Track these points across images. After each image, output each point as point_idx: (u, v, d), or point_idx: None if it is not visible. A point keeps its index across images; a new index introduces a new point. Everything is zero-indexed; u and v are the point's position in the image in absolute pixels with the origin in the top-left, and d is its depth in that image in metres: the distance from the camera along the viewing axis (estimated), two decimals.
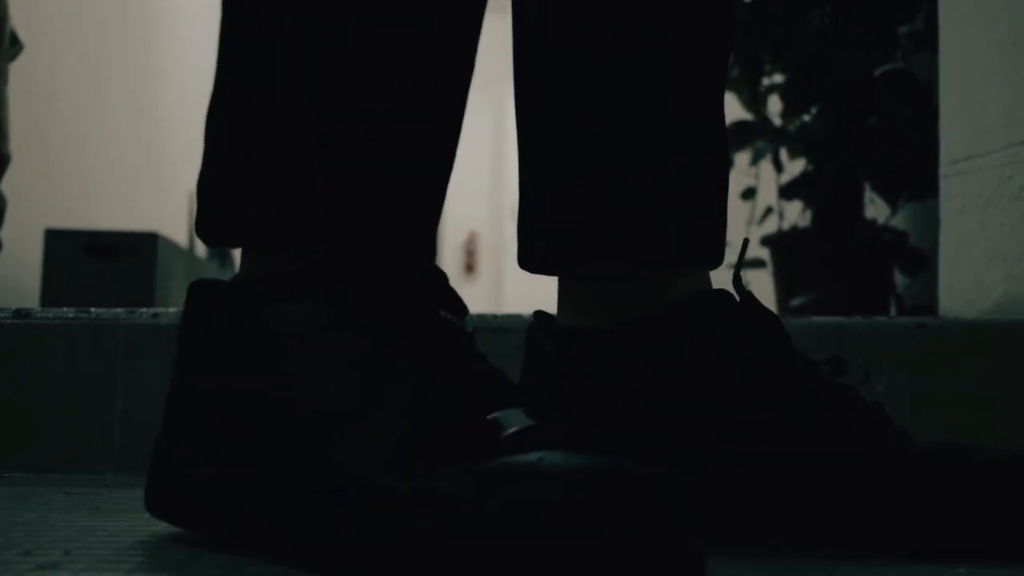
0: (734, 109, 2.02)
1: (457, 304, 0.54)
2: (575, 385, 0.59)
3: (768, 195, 2.05)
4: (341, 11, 0.53)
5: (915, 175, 1.66)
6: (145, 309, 0.88)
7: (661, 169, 0.60)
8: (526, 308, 0.81)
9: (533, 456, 0.41)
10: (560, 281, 0.64)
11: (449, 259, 7.08)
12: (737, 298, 0.59)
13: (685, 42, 0.60)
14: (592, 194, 0.60)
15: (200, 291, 0.55)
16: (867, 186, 1.81)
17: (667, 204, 0.60)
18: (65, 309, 0.87)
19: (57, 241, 2.43)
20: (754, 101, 1.92)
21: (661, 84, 0.60)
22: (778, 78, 1.94)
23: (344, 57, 0.53)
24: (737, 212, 2.28)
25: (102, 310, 0.87)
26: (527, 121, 0.64)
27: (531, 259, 0.63)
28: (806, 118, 1.87)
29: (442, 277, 0.54)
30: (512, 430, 0.45)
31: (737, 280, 0.61)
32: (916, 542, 0.53)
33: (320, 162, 0.53)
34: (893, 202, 1.72)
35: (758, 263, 1.97)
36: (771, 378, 0.57)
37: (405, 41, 0.53)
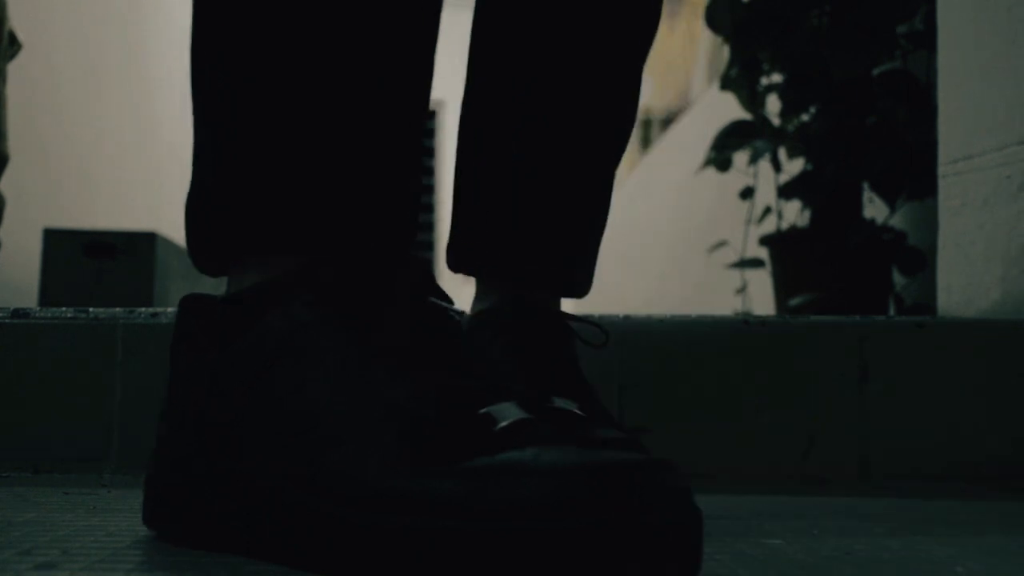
0: (733, 109, 2.02)
1: (440, 292, 0.55)
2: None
3: (766, 195, 2.05)
4: (303, 26, 0.53)
5: (913, 174, 1.66)
6: (143, 309, 0.88)
7: (559, 218, 0.73)
8: None
9: (528, 453, 0.42)
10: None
11: None
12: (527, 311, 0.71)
13: (590, 134, 0.73)
14: (497, 225, 0.73)
15: (188, 308, 0.56)
16: (865, 185, 1.81)
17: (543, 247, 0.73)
18: (63, 309, 0.87)
19: (56, 241, 2.43)
20: (752, 101, 1.92)
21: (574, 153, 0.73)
22: (776, 78, 1.94)
23: (312, 69, 0.53)
24: (736, 211, 2.29)
25: (100, 310, 0.87)
26: (467, 149, 0.75)
27: (451, 263, 0.76)
28: (804, 118, 1.87)
29: (425, 266, 0.55)
30: (505, 423, 0.45)
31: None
32: None
33: (300, 169, 0.54)
34: (891, 202, 1.72)
35: (757, 263, 1.97)
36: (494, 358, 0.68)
37: (367, 45, 0.54)
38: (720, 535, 0.57)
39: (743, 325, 0.89)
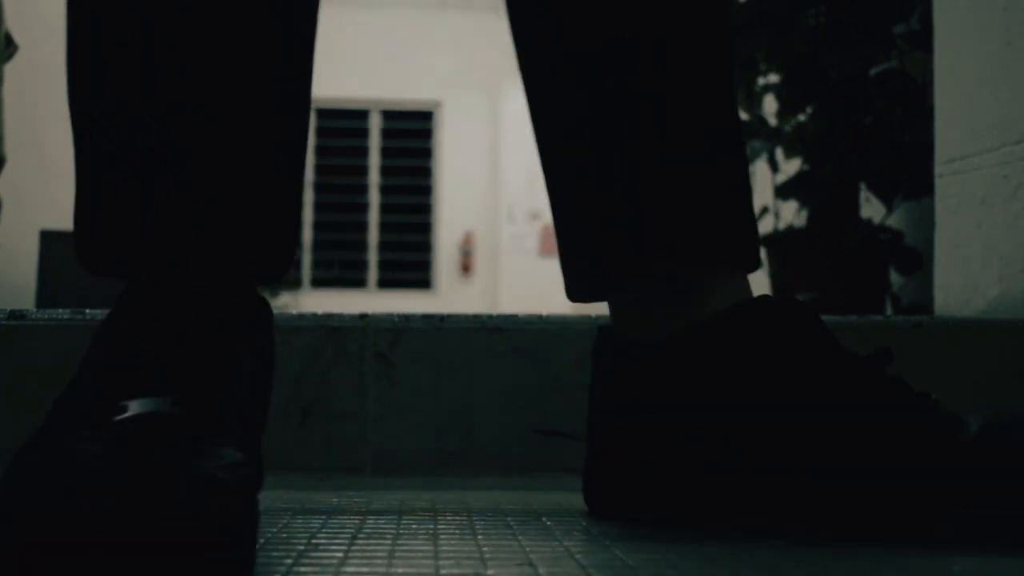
0: None
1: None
2: (634, 395, 0.61)
3: (764, 195, 2.05)
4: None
5: (910, 174, 1.66)
6: None
7: (685, 176, 0.60)
8: (521, 308, 0.81)
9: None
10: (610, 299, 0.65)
11: (445, 260, 7.08)
12: (774, 301, 0.60)
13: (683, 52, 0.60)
14: (622, 212, 0.60)
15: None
16: (862, 185, 1.81)
17: (697, 211, 0.60)
18: (60, 310, 0.87)
19: (52, 242, 2.43)
20: (749, 101, 1.92)
21: (669, 88, 0.60)
22: (773, 78, 1.94)
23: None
24: None
25: (97, 311, 0.87)
26: (548, 147, 0.64)
27: (577, 291, 0.65)
28: (801, 118, 1.87)
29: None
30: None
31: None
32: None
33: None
34: (888, 201, 1.72)
35: None
36: (824, 377, 0.59)
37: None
38: (719, 535, 0.57)
39: None
